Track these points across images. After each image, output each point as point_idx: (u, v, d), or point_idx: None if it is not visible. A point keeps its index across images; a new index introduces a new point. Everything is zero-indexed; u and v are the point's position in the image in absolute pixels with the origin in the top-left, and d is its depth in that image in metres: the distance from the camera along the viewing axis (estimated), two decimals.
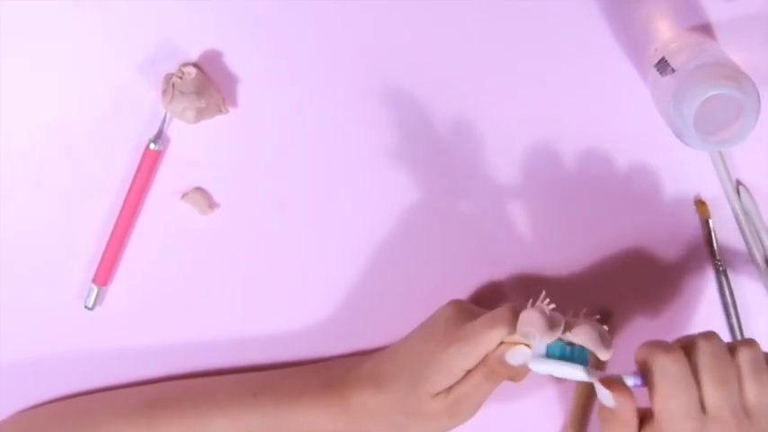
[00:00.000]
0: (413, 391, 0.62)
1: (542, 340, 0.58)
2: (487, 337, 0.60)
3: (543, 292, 0.60)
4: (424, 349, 0.63)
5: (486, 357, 0.60)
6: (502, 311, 0.60)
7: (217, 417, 0.66)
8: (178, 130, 0.69)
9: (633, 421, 0.56)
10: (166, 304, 0.72)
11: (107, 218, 0.70)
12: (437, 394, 0.61)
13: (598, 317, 0.61)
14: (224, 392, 0.67)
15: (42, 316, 0.71)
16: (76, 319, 0.71)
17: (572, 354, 0.58)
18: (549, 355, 0.58)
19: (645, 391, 0.57)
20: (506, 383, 0.62)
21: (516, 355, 0.59)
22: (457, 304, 0.65)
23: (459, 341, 0.61)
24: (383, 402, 0.64)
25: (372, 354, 0.69)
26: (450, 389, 0.61)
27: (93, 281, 0.70)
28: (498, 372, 0.60)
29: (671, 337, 0.72)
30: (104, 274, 0.70)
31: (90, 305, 0.71)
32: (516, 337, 0.59)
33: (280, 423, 0.66)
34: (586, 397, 0.72)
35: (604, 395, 0.56)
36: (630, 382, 0.57)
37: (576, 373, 0.57)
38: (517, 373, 0.60)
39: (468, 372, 0.61)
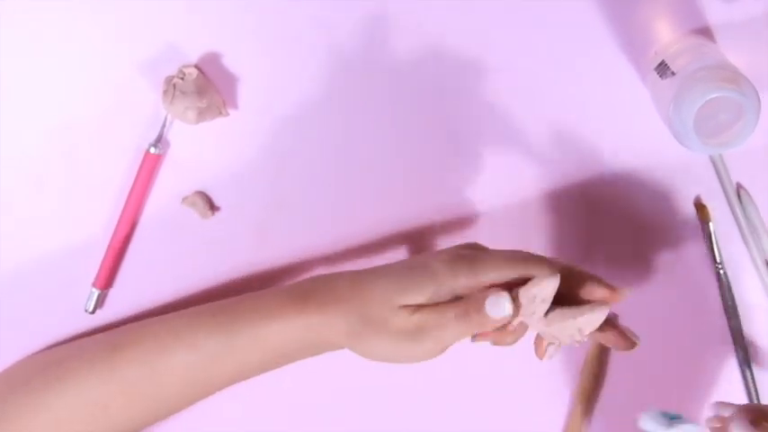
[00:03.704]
0: (384, 293, 0.59)
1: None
2: (505, 268, 0.57)
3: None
4: (418, 258, 0.61)
5: (466, 298, 0.58)
6: (540, 259, 0.58)
7: (178, 348, 0.63)
8: (178, 134, 0.69)
9: None
10: (167, 308, 0.71)
11: (108, 221, 0.70)
12: (404, 307, 0.58)
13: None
14: (184, 321, 0.64)
15: (43, 319, 0.71)
16: (77, 323, 0.71)
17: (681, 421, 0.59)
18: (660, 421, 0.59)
19: None
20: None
21: (496, 306, 0.57)
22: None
23: (468, 259, 0.59)
24: (346, 304, 0.60)
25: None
26: (418, 309, 0.58)
27: (94, 284, 0.70)
28: (471, 317, 0.57)
29: (670, 341, 0.72)
30: (105, 277, 0.70)
31: (90, 309, 0.71)
32: (532, 293, 0.57)
33: (238, 340, 0.62)
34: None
35: None
36: None
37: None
38: (500, 334, 0.59)
39: (443, 304, 0.58)
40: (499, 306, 0.57)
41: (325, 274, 0.64)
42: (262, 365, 0.63)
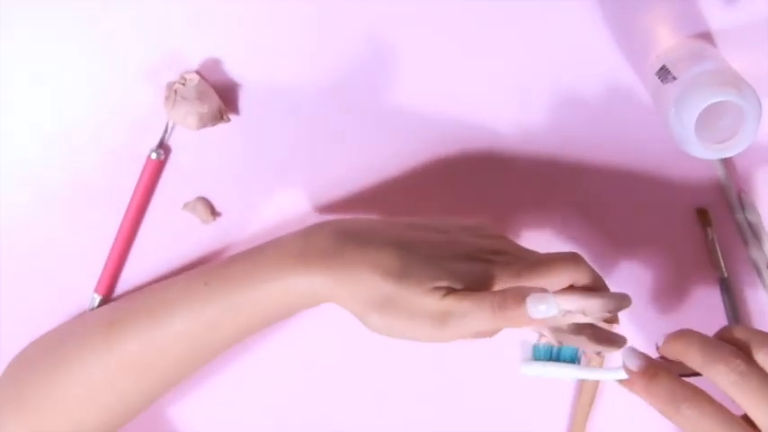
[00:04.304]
0: (421, 277, 0.56)
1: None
2: (563, 274, 0.58)
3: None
4: (461, 241, 0.59)
5: (504, 290, 0.56)
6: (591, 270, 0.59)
7: (174, 320, 0.61)
8: (180, 140, 0.69)
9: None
10: None
11: (109, 227, 0.70)
12: (437, 288, 0.56)
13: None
14: (177, 292, 0.62)
15: (44, 325, 0.71)
16: None
17: (559, 353, 0.56)
18: (536, 357, 0.56)
19: None
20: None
21: (540, 307, 0.54)
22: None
23: (528, 263, 0.58)
24: (365, 277, 0.56)
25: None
26: (451, 293, 0.56)
27: (96, 290, 0.70)
28: (508, 313, 0.55)
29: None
30: (106, 283, 0.70)
31: None
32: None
33: (237, 305, 0.60)
34: (591, 397, 0.72)
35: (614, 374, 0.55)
36: (619, 375, 0.55)
37: (570, 371, 0.56)
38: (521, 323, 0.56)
39: (479, 292, 0.56)
40: (541, 308, 0.55)
41: (332, 228, 0.60)
42: (264, 323, 0.61)
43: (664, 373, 0.53)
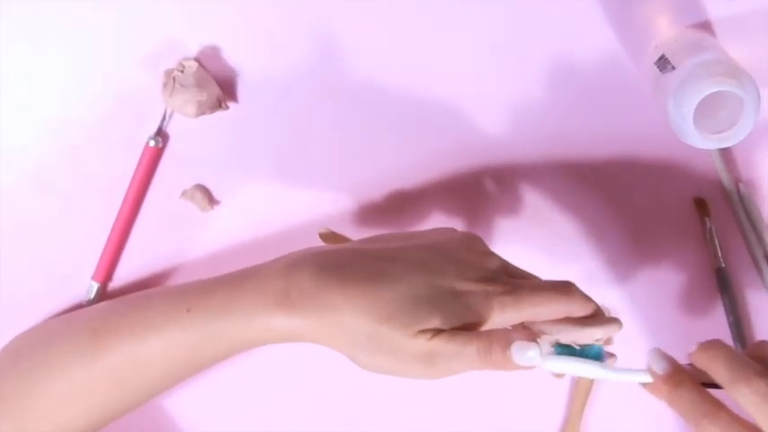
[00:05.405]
0: (404, 319, 0.55)
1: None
2: (549, 306, 0.55)
3: None
4: (447, 277, 0.56)
5: (491, 334, 0.55)
6: (585, 298, 0.57)
7: (153, 340, 0.60)
8: (178, 127, 0.69)
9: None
10: None
11: (107, 215, 0.70)
12: (423, 331, 0.54)
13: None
14: (158, 314, 0.61)
15: (42, 312, 0.71)
16: None
17: (583, 350, 0.55)
18: (559, 352, 0.55)
19: None
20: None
21: (524, 354, 0.54)
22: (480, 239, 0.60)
23: (513, 294, 0.56)
24: (347, 317, 0.55)
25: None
26: (437, 334, 0.54)
27: (93, 278, 0.70)
28: (494, 357, 0.54)
29: (669, 337, 0.72)
30: (104, 271, 0.70)
31: (90, 302, 0.71)
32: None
33: (216, 335, 0.59)
34: (586, 393, 0.72)
35: (635, 376, 0.54)
36: (643, 378, 0.54)
37: (593, 369, 0.54)
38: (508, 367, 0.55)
39: (465, 333, 0.55)
40: (527, 355, 0.54)
41: (314, 267, 0.58)
42: (246, 351, 0.61)
43: (688, 383, 0.53)
